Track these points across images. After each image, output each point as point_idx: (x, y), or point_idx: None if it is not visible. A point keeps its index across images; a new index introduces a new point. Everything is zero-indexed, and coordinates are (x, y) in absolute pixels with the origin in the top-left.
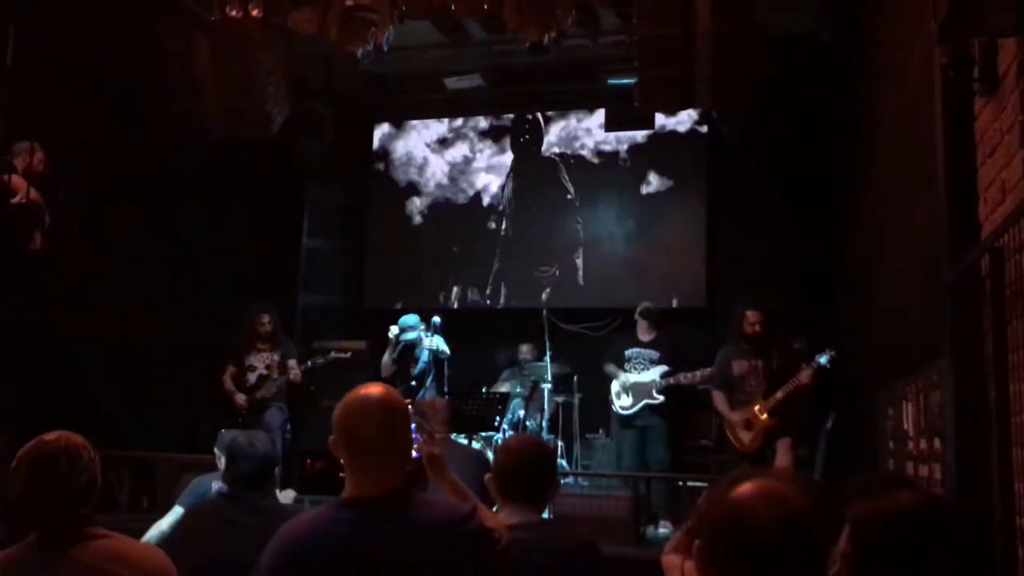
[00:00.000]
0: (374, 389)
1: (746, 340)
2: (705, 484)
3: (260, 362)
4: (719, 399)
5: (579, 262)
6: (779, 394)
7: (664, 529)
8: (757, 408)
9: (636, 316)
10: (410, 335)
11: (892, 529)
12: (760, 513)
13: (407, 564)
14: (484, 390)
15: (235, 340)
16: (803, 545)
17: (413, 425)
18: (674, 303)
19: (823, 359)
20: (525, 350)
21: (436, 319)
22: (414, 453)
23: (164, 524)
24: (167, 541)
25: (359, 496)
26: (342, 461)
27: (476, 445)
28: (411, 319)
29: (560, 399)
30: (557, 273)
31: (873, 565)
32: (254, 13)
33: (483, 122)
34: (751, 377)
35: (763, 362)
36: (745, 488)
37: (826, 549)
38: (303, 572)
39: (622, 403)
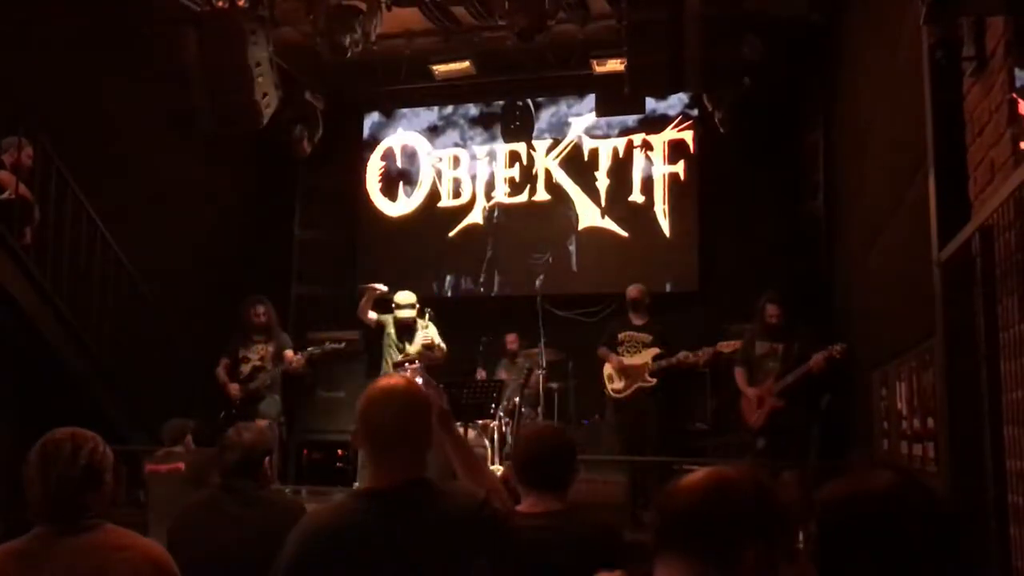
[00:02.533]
0: (396, 382)
1: (767, 328)
2: (700, 467)
3: (254, 354)
4: (740, 375)
5: (572, 248)
6: (789, 378)
7: None
8: (767, 389)
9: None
10: (404, 313)
11: (861, 509)
12: (683, 487)
13: (424, 553)
14: (478, 378)
15: (232, 332)
16: (714, 516)
17: (420, 380)
18: (667, 287)
19: (835, 350)
20: (511, 340)
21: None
22: None
23: None
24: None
25: (378, 487)
26: (363, 451)
27: (472, 433)
28: (407, 296)
29: (555, 385)
30: (550, 260)
31: (840, 547)
32: (241, 3)
33: (473, 109)
34: (770, 359)
35: (784, 346)
36: None
37: (751, 529)
38: (323, 563)
39: (615, 386)
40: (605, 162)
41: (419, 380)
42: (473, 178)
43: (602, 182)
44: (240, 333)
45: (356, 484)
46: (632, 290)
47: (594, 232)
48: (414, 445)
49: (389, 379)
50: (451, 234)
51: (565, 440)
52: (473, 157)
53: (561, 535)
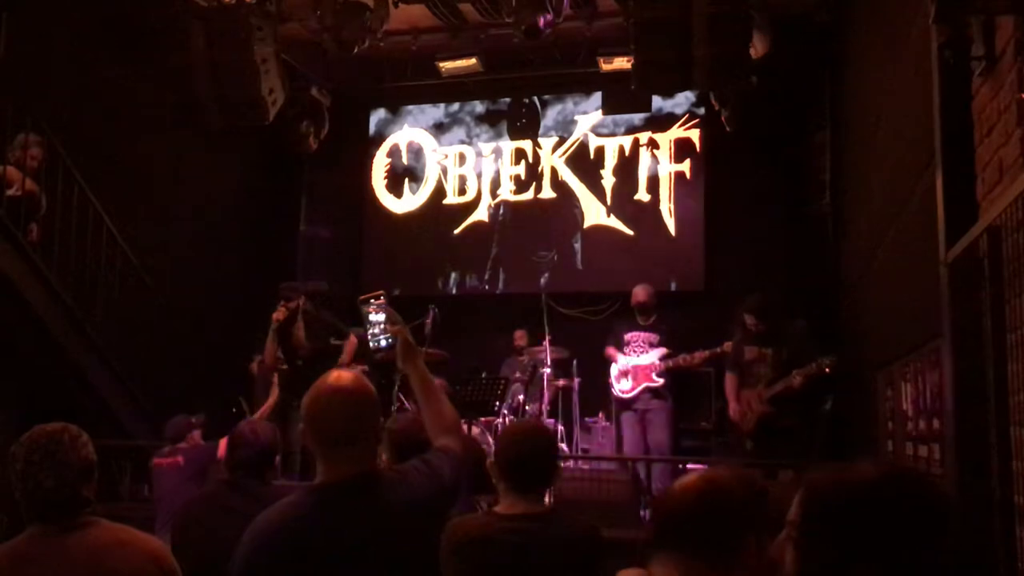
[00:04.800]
0: (344, 379)
1: (751, 335)
2: (705, 467)
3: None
4: (729, 382)
5: (577, 246)
6: (777, 387)
7: None
8: (757, 395)
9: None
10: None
11: (843, 497)
12: (679, 489)
13: (374, 546)
14: (483, 375)
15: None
16: (711, 515)
17: (383, 316)
18: (672, 286)
19: (823, 365)
20: (518, 336)
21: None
22: (385, 342)
23: None
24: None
25: (329, 482)
26: (312, 449)
27: (476, 430)
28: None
29: (560, 383)
30: (555, 257)
31: (820, 534)
32: None
33: (479, 106)
34: (760, 364)
35: (773, 350)
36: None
37: (745, 524)
38: (274, 559)
39: (622, 386)
40: (611, 160)
41: (382, 315)
42: (479, 175)
43: (608, 180)
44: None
45: None
46: (640, 293)
47: (599, 230)
48: (363, 441)
49: (335, 376)
50: (456, 231)
51: (545, 437)
52: (479, 154)
53: (542, 537)
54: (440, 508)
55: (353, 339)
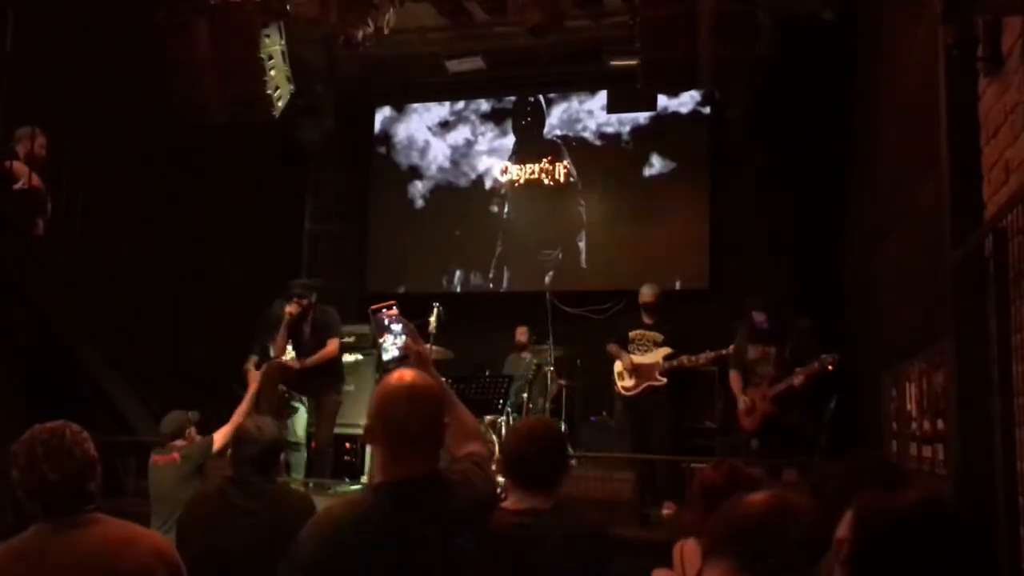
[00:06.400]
0: (413, 378)
1: (756, 333)
2: (708, 465)
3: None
4: (735, 379)
5: (581, 245)
6: (780, 386)
7: (668, 511)
8: (761, 393)
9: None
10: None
11: (899, 527)
12: (749, 499)
13: (438, 547)
14: (487, 373)
15: (258, 330)
16: (755, 535)
17: (400, 325)
18: (677, 285)
19: (826, 362)
20: (519, 332)
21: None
22: (398, 352)
23: None
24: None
25: (393, 481)
26: (377, 447)
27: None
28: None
29: (563, 382)
30: (559, 256)
31: (875, 558)
32: None
33: (484, 105)
34: (764, 362)
35: (776, 348)
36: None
37: (804, 552)
38: (339, 559)
39: (625, 384)
40: (616, 159)
41: (399, 325)
42: (483, 173)
43: (613, 178)
44: (265, 331)
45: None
46: (647, 294)
47: (604, 229)
48: (432, 440)
49: (402, 375)
50: (461, 230)
51: (556, 438)
52: (483, 152)
53: (545, 534)
54: (492, 510)
55: (334, 345)
